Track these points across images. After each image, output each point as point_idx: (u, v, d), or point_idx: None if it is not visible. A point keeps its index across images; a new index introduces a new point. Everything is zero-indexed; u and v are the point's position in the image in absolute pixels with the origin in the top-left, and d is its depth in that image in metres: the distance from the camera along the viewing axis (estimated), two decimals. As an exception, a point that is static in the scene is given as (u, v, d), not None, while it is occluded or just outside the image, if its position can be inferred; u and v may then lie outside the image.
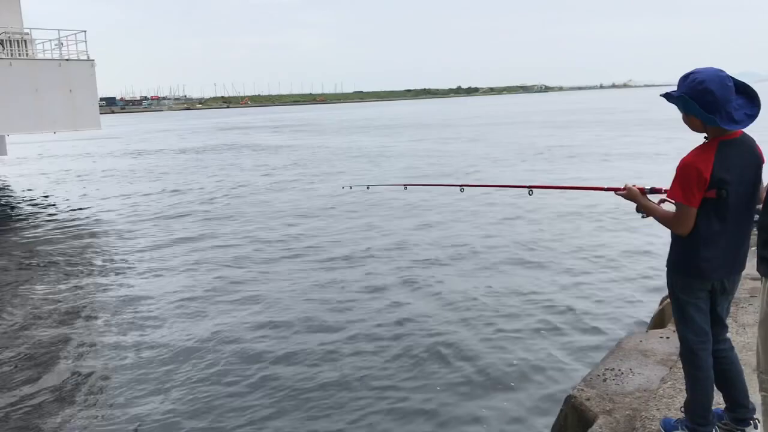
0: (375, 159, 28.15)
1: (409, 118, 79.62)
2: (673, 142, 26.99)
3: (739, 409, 3.11)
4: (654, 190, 3.21)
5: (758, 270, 2.03)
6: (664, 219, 3.04)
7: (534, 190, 4.00)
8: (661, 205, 3.14)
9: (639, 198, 3.14)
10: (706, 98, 2.79)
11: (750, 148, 2.91)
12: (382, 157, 29.10)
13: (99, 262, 11.29)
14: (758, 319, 1.99)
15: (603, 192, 3.55)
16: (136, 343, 7.25)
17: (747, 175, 2.88)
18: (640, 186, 3.21)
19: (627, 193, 3.19)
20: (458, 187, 4.99)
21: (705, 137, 2.95)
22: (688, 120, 2.96)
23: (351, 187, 7.99)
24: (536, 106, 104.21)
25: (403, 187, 6.34)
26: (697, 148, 2.93)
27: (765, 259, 1.95)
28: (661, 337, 4.74)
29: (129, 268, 10.73)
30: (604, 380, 4.04)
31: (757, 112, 2.85)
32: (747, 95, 2.89)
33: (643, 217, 3.19)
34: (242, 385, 6.08)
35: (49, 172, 27.68)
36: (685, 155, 2.92)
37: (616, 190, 3.29)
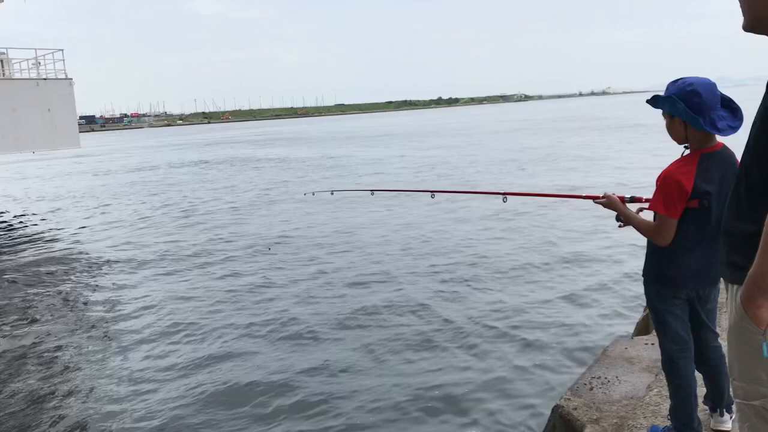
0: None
1: (396, 128, 79.81)
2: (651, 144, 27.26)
3: (715, 398, 3.24)
4: (634, 199, 3.22)
5: (725, 277, 2.04)
6: (644, 229, 3.06)
7: (509, 197, 3.97)
8: (641, 213, 3.15)
9: (619, 207, 3.15)
10: (693, 99, 2.85)
11: (730, 160, 2.94)
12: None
13: (84, 282, 11.16)
14: (728, 325, 1.99)
15: (581, 200, 3.55)
16: (125, 369, 7.15)
17: (727, 187, 2.91)
18: (620, 194, 3.21)
19: (606, 202, 3.19)
20: (429, 193, 4.85)
21: (686, 146, 2.98)
22: (671, 126, 3.00)
23: (313, 194, 7.65)
24: (519, 115, 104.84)
25: (370, 192, 6.06)
26: (678, 161, 2.97)
27: (733, 264, 1.96)
28: (646, 344, 4.75)
29: (115, 285, 10.62)
30: (591, 389, 4.03)
31: (739, 125, 2.89)
32: (731, 109, 2.94)
33: (620, 226, 3.19)
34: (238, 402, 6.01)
35: (30, 193, 27.37)
36: (665, 167, 2.95)
37: (594, 198, 3.28)
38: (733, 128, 2.87)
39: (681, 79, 2.97)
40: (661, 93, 3.01)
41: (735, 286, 1.91)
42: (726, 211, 2.04)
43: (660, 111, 3.05)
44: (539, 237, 12.34)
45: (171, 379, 6.61)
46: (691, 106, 2.85)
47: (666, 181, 2.92)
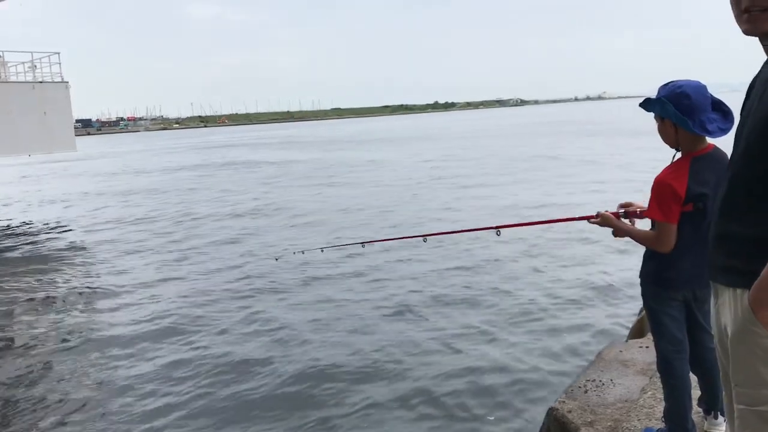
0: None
1: (393, 133, 79.88)
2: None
3: (710, 401, 3.25)
4: (628, 213, 3.24)
5: (717, 281, 2.02)
6: (645, 239, 3.07)
7: (502, 230, 3.91)
8: (635, 224, 3.18)
9: (615, 223, 3.17)
10: (683, 102, 2.87)
11: (723, 160, 2.96)
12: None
13: (80, 283, 11.13)
14: (731, 330, 1.96)
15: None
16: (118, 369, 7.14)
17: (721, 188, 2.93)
18: (614, 211, 3.24)
19: (601, 220, 3.20)
20: (421, 238, 4.70)
21: (677, 149, 3.01)
22: (663, 129, 3.03)
23: (303, 252, 7.17)
24: (517, 119, 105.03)
25: (360, 245, 5.75)
26: (669, 166, 2.99)
27: (732, 269, 1.94)
28: (640, 347, 4.77)
29: (112, 289, 10.60)
30: (586, 392, 4.04)
31: (730, 127, 2.91)
32: (722, 111, 2.96)
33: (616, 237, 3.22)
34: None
35: (26, 196, 27.29)
36: (658, 173, 2.97)
37: (589, 218, 3.28)
38: (723, 130, 2.89)
39: (671, 82, 3.00)
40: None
41: (738, 290, 1.88)
42: (719, 214, 2.02)
43: (652, 114, 3.07)
44: (531, 241, 12.37)
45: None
46: (680, 109, 2.87)
47: (659, 187, 2.94)
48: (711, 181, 2.88)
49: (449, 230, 4.76)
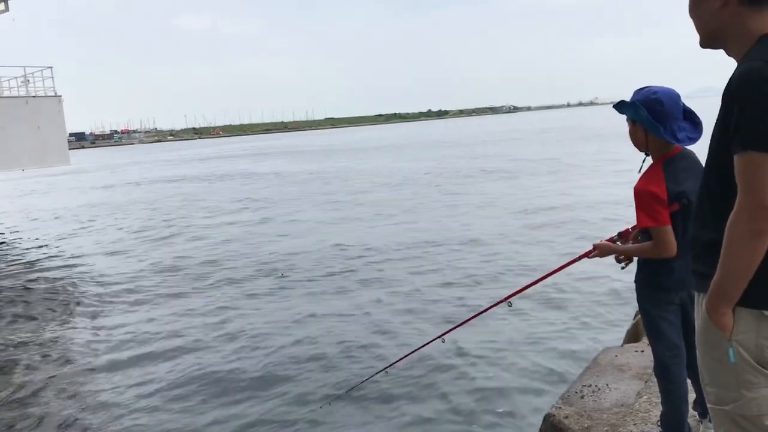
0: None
1: (388, 142, 79.99)
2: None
3: (705, 404, 3.20)
4: (622, 235, 3.26)
5: (694, 285, 2.08)
6: (646, 252, 3.05)
7: (513, 299, 3.94)
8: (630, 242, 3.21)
9: (614, 249, 3.18)
10: (656, 107, 2.92)
11: (693, 158, 3.03)
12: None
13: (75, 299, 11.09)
14: (696, 332, 2.04)
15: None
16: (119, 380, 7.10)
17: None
18: (608, 238, 3.25)
19: (600, 252, 3.21)
20: (440, 339, 4.50)
21: (646, 153, 3.05)
22: (633, 132, 3.07)
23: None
24: (513, 126, 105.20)
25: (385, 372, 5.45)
26: (644, 174, 3.02)
27: (697, 273, 2.01)
28: (635, 351, 4.78)
29: (107, 302, 10.56)
30: (582, 397, 4.05)
31: (698, 137, 2.96)
32: (692, 122, 3.01)
33: (623, 267, 3.23)
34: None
35: (23, 211, 27.19)
36: (636, 183, 3.00)
37: (588, 254, 3.29)
38: (692, 139, 2.95)
39: (647, 87, 3.03)
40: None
41: (701, 295, 1.96)
42: (693, 219, 2.09)
43: (624, 117, 3.11)
44: (527, 246, 12.39)
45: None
46: (653, 114, 2.91)
47: (640, 195, 2.96)
48: (688, 178, 2.91)
49: (464, 320, 4.67)
